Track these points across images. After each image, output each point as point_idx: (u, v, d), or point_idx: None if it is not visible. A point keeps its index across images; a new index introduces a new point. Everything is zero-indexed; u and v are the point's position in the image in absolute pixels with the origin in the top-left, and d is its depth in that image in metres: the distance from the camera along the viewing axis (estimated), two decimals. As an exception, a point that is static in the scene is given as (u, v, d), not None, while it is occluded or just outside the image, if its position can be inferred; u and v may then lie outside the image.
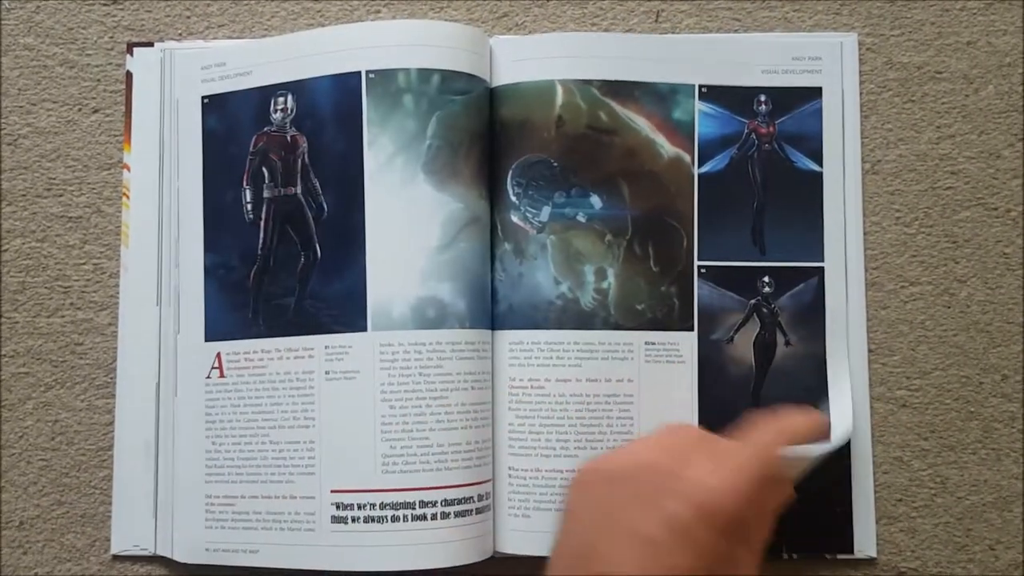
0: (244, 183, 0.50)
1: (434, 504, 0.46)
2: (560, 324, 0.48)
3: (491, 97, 0.49)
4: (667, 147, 0.49)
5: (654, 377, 0.48)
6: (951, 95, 0.51)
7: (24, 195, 0.52)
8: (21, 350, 0.51)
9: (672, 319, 0.49)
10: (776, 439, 0.38)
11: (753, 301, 0.49)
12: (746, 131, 0.50)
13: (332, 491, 0.47)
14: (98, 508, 0.50)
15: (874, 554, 0.48)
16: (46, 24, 0.53)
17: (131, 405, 0.50)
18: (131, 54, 0.52)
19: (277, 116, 0.50)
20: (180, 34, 0.53)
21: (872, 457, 0.48)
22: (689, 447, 0.37)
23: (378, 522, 0.46)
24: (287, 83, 0.50)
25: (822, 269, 0.49)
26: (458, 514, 0.46)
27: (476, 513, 0.47)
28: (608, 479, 0.37)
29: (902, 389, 0.49)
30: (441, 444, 0.46)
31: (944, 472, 0.49)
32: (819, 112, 0.50)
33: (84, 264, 0.52)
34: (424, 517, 0.46)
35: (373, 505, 0.46)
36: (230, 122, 0.51)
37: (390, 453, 0.46)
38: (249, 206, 0.50)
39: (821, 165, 0.50)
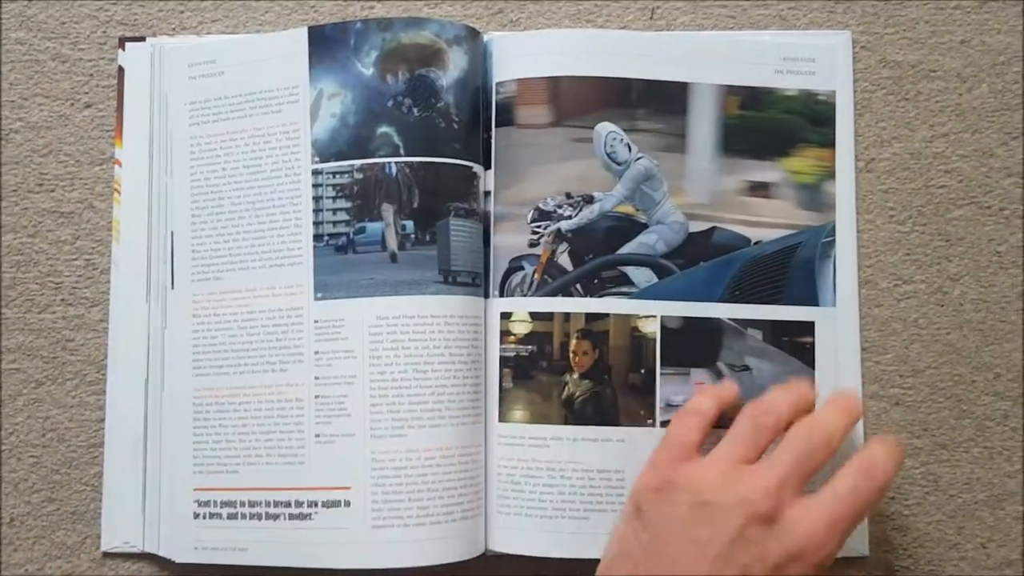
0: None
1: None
2: None
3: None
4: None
5: None
6: (945, 94, 0.51)
7: (15, 190, 0.52)
8: (11, 346, 0.51)
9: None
10: (868, 486, 0.39)
11: None
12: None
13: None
14: (89, 505, 0.50)
15: (866, 552, 0.48)
16: (38, 18, 0.53)
17: (121, 402, 0.50)
18: (123, 49, 0.52)
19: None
20: (173, 29, 0.52)
21: (865, 455, 0.48)
22: (784, 483, 0.38)
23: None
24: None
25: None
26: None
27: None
28: (703, 507, 0.38)
29: (895, 387, 0.49)
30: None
31: (936, 470, 0.49)
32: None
33: (75, 260, 0.52)
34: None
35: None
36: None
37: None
38: None
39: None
